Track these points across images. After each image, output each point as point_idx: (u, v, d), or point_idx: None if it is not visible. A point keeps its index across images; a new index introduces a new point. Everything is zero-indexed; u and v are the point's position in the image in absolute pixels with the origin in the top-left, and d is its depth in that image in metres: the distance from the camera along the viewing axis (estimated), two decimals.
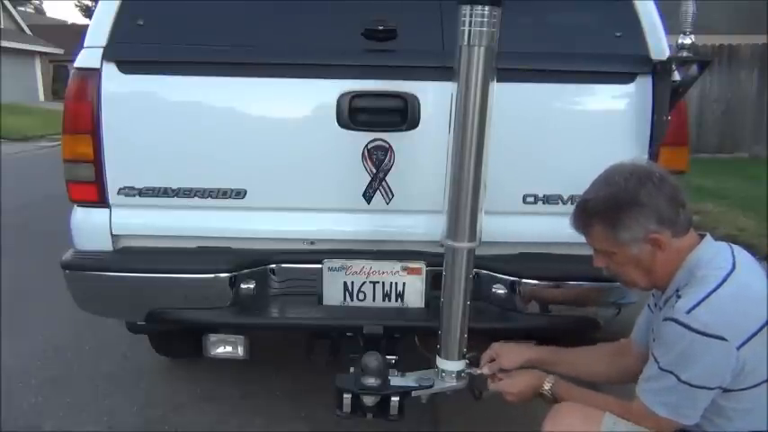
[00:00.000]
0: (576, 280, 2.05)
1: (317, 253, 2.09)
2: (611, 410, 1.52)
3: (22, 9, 34.73)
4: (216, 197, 2.05)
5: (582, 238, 2.11)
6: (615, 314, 2.04)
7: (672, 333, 1.40)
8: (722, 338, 1.35)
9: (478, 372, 1.84)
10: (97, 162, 2.01)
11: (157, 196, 2.04)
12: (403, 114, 1.98)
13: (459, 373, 1.85)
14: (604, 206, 1.49)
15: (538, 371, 1.75)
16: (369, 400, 1.80)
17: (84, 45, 2.01)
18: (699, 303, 1.38)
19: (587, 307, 2.07)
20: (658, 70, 2.00)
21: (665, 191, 1.46)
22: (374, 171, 2.03)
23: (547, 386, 1.68)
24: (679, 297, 1.45)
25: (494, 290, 2.07)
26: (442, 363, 1.86)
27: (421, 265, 2.06)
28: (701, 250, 1.49)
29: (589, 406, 1.55)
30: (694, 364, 1.37)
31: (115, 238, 2.09)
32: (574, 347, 1.87)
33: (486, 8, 1.57)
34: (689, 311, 1.38)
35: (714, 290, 1.39)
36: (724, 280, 1.41)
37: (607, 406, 1.53)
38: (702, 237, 1.53)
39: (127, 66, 1.99)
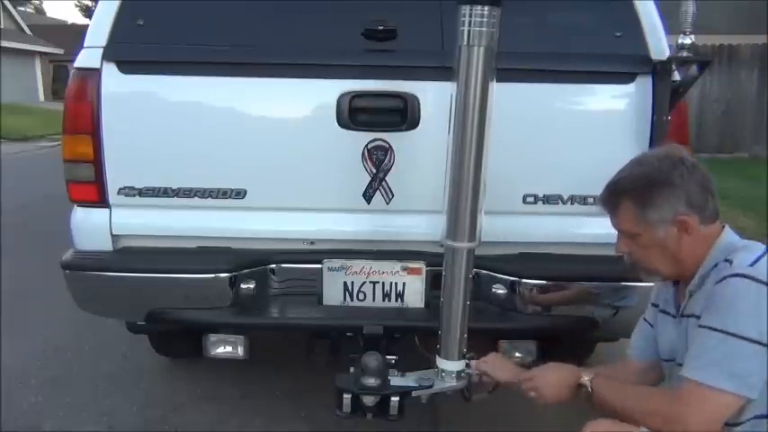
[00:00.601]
0: (576, 280, 2.05)
1: (316, 253, 2.09)
2: (654, 406, 1.39)
3: (22, 9, 34.73)
4: (216, 197, 2.05)
5: (581, 239, 2.13)
6: (613, 314, 2.04)
7: (735, 290, 1.32)
8: None
9: (468, 371, 1.82)
10: (97, 162, 2.01)
11: (157, 196, 2.04)
12: (403, 114, 1.98)
13: (459, 373, 1.85)
14: (636, 184, 1.47)
15: (566, 364, 1.64)
16: (369, 400, 1.80)
17: (84, 45, 2.01)
18: (759, 259, 1.35)
19: (585, 307, 2.07)
20: (658, 70, 2.00)
21: (696, 176, 1.44)
22: (374, 171, 2.03)
23: (586, 378, 1.55)
24: (729, 262, 1.38)
25: (494, 290, 2.07)
26: (442, 363, 1.85)
27: (421, 265, 2.06)
28: (730, 234, 1.47)
29: (630, 403, 1.44)
30: (765, 318, 1.28)
31: (115, 238, 2.09)
32: None
33: (486, 8, 1.57)
34: (752, 264, 1.34)
35: (766, 252, 1.37)
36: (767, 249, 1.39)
37: (651, 399, 1.42)
38: (722, 226, 1.50)
39: (127, 66, 1.99)
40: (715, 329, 1.32)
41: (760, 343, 1.28)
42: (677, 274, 1.52)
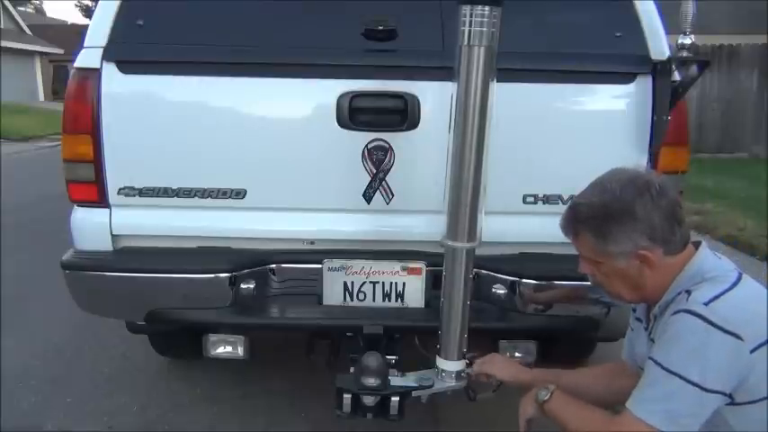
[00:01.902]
0: (576, 280, 2.05)
1: (316, 253, 2.09)
2: (592, 428, 1.40)
3: (22, 9, 34.73)
4: (216, 197, 2.05)
5: None
6: (605, 314, 2.03)
7: (684, 326, 1.28)
8: (738, 337, 1.24)
9: (468, 371, 1.83)
10: (97, 162, 2.01)
11: (157, 196, 2.04)
12: (403, 114, 1.98)
13: (459, 373, 1.85)
14: (595, 214, 1.40)
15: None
16: (369, 400, 1.80)
17: (84, 45, 2.01)
18: (717, 297, 1.28)
19: (583, 306, 2.06)
20: (658, 70, 2.00)
21: (662, 205, 1.35)
22: (374, 171, 2.03)
23: (551, 385, 1.53)
24: (689, 293, 1.33)
25: (494, 290, 2.07)
26: (442, 363, 1.85)
27: (421, 265, 2.06)
28: (701, 260, 1.40)
29: (574, 423, 1.45)
30: (708, 362, 1.25)
31: (115, 238, 2.09)
32: (571, 369, 1.79)
33: (486, 8, 1.57)
34: (707, 303, 1.27)
35: (730, 288, 1.31)
36: (737, 282, 1.33)
37: (592, 422, 1.41)
38: (697, 245, 1.43)
39: (127, 66, 1.99)
40: (660, 365, 1.30)
41: (700, 387, 1.25)
42: (641, 300, 1.50)
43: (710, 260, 1.41)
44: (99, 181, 2.03)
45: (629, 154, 2.04)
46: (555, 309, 2.06)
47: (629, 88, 2.05)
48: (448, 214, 1.75)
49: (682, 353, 1.28)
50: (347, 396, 1.80)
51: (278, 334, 2.95)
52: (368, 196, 2.05)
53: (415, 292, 2.08)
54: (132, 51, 2.00)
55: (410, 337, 2.16)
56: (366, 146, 2.00)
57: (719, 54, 10.07)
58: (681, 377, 1.26)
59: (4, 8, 25.70)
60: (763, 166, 8.16)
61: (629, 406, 1.34)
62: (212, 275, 2.02)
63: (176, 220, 2.08)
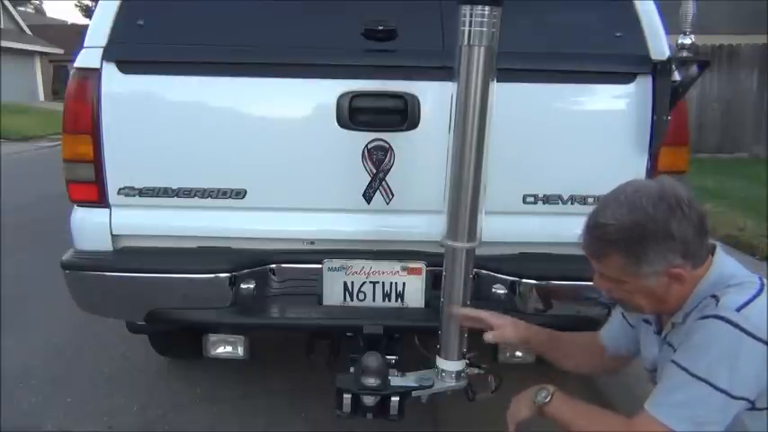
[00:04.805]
0: (576, 280, 2.05)
1: (316, 253, 2.09)
2: (609, 429, 1.35)
3: (22, 9, 34.72)
4: (216, 197, 2.05)
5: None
6: (606, 314, 2.03)
7: (715, 332, 1.24)
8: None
9: (474, 371, 1.82)
10: (97, 162, 2.01)
11: (157, 196, 2.04)
12: (403, 114, 1.98)
13: (458, 373, 1.85)
14: (627, 236, 1.29)
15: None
16: (369, 400, 1.80)
17: (84, 45, 2.01)
18: (747, 303, 1.25)
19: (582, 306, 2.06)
20: (658, 70, 2.00)
21: (693, 219, 1.29)
22: (374, 171, 2.03)
23: (550, 387, 1.49)
24: (715, 298, 1.30)
25: (494, 290, 2.07)
26: (442, 363, 1.86)
27: (421, 265, 2.06)
28: (721, 265, 1.37)
29: (583, 423, 1.41)
30: (738, 369, 1.21)
31: (115, 238, 2.09)
32: (563, 332, 1.78)
33: (486, 8, 1.57)
34: (739, 309, 1.23)
35: (758, 294, 1.27)
36: (762, 288, 1.30)
37: (605, 423, 1.37)
38: (712, 249, 1.40)
39: (127, 66, 1.99)
40: (686, 370, 1.26)
41: (727, 393, 1.22)
42: (660, 311, 1.46)
43: (729, 264, 1.38)
44: (99, 181, 2.03)
45: (629, 154, 2.04)
46: (555, 309, 2.07)
47: (629, 88, 2.05)
48: (448, 214, 1.75)
49: (711, 359, 1.24)
50: (347, 396, 1.80)
51: (278, 334, 2.96)
52: (368, 196, 2.05)
53: (415, 292, 2.08)
54: (132, 51, 2.00)
55: (410, 337, 2.16)
56: (366, 146, 2.00)
57: (719, 54, 10.06)
58: (709, 383, 1.23)
59: (4, 8, 25.70)
60: (763, 166, 8.16)
61: (650, 408, 1.30)
62: (212, 275, 2.02)
63: (176, 220, 2.08)
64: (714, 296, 1.31)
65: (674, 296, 1.37)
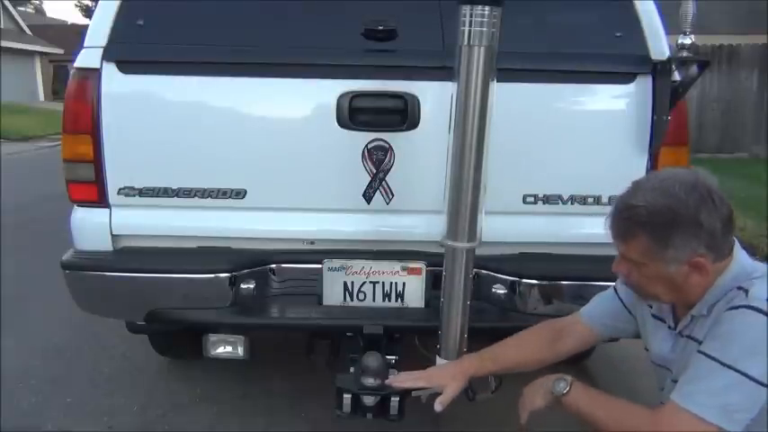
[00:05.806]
0: (576, 280, 2.05)
1: (316, 253, 2.09)
2: (633, 422, 1.33)
3: (22, 9, 34.72)
4: (216, 197, 2.05)
5: (581, 239, 2.12)
6: None
7: (746, 322, 1.25)
8: None
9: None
10: (97, 162, 2.01)
11: (157, 196, 2.04)
12: (403, 114, 1.98)
13: None
14: (658, 219, 1.31)
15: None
16: (369, 400, 1.80)
17: (84, 45, 2.01)
18: None
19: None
20: (658, 70, 2.00)
21: (723, 213, 1.30)
22: (374, 171, 2.03)
23: (567, 377, 1.46)
24: (743, 290, 1.31)
25: (494, 290, 2.07)
26: (442, 363, 1.85)
27: (421, 265, 2.06)
28: (741, 259, 1.38)
29: (604, 414, 1.39)
30: None
31: (115, 238, 2.09)
32: (504, 341, 1.75)
33: (486, 8, 1.57)
34: None
35: None
36: None
37: (630, 415, 1.35)
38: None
39: (127, 66, 1.99)
40: (716, 360, 1.27)
41: (760, 383, 1.23)
42: (676, 301, 1.46)
43: (747, 258, 1.40)
44: (99, 181, 2.03)
45: (629, 154, 2.04)
46: (555, 309, 2.07)
47: (629, 88, 2.05)
48: (448, 214, 1.75)
49: (742, 348, 1.25)
50: (347, 396, 1.80)
51: (278, 334, 2.96)
52: (368, 196, 2.05)
53: (415, 292, 2.08)
54: (132, 51, 2.00)
55: (410, 337, 2.16)
56: (366, 146, 2.00)
57: (719, 54, 10.06)
58: (739, 372, 1.24)
59: (4, 8, 25.70)
60: (763, 166, 8.16)
61: (679, 400, 1.29)
62: (212, 275, 2.02)
63: (176, 220, 2.08)
64: (741, 288, 1.32)
65: (692, 287, 1.37)
